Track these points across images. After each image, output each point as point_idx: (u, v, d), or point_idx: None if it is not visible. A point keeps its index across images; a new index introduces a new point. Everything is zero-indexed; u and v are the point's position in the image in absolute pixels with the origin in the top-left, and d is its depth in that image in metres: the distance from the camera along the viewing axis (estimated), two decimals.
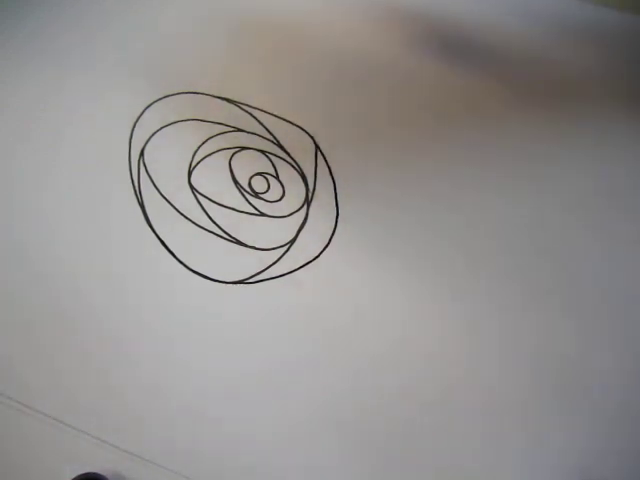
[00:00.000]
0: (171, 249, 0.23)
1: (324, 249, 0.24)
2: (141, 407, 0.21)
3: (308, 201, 0.25)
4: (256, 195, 0.25)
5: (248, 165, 0.26)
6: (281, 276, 0.23)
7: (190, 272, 0.23)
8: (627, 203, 0.27)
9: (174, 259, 0.23)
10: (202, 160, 0.26)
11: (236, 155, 0.26)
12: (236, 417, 0.21)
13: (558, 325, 0.23)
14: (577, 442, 0.21)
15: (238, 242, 0.24)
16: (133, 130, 0.27)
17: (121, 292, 0.22)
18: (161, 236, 0.24)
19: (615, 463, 0.21)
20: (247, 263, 0.23)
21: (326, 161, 0.26)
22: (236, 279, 0.23)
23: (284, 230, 0.24)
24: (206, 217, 0.24)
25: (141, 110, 0.27)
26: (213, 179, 0.25)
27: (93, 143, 0.26)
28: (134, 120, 0.27)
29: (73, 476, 0.18)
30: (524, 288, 0.24)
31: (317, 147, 0.26)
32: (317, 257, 0.24)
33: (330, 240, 0.24)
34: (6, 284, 0.22)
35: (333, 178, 0.25)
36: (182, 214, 0.24)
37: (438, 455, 0.21)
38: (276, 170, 0.26)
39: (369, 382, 0.22)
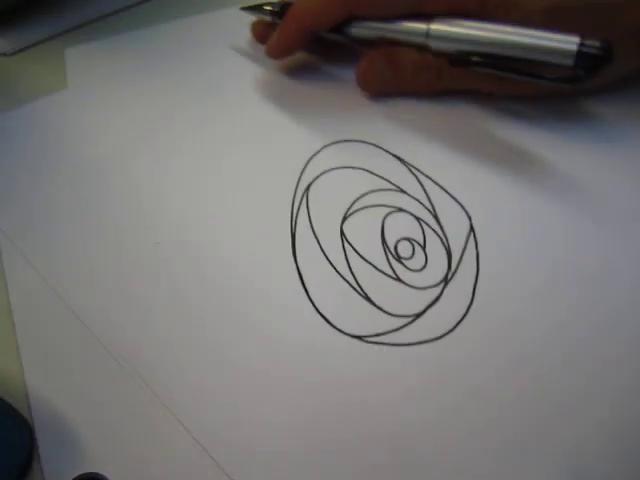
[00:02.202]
0: (306, 284, 0.25)
1: (446, 333, 0.24)
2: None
3: (446, 280, 0.25)
4: (399, 259, 0.25)
5: (400, 228, 0.26)
6: (397, 345, 0.23)
7: (315, 311, 0.24)
8: None
9: (305, 295, 0.25)
10: (359, 210, 0.27)
11: (392, 215, 0.27)
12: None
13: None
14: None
15: (367, 298, 0.25)
16: (307, 165, 0.29)
17: (247, 310, 0.24)
18: (300, 269, 0.25)
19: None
20: (369, 321, 0.24)
21: (476, 246, 0.26)
22: (355, 333, 0.24)
23: (414, 301, 0.24)
24: (346, 265, 0.25)
25: (320, 147, 0.30)
26: (363, 231, 0.26)
27: (269, 166, 0.29)
28: (310, 155, 0.29)
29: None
30: None
31: (472, 229, 0.26)
32: (438, 339, 0.23)
33: (455, 327, 0.24)
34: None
35: (478, 266, 0.25)
36: (325, 254, 0.26)
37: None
38: (425, 240, 0.26)
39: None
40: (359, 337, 0.24)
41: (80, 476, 0.19)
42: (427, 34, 0.29)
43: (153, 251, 0.26)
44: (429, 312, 0.24)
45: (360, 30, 0.31)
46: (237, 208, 0.28)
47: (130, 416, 0.22)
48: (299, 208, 0.27)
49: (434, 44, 0.29)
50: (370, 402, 0.22)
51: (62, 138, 0.32)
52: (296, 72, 0.34)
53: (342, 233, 0.26)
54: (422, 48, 0.30)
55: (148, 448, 0.21)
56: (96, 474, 0.20)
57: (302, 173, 0.28)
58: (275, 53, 0.33)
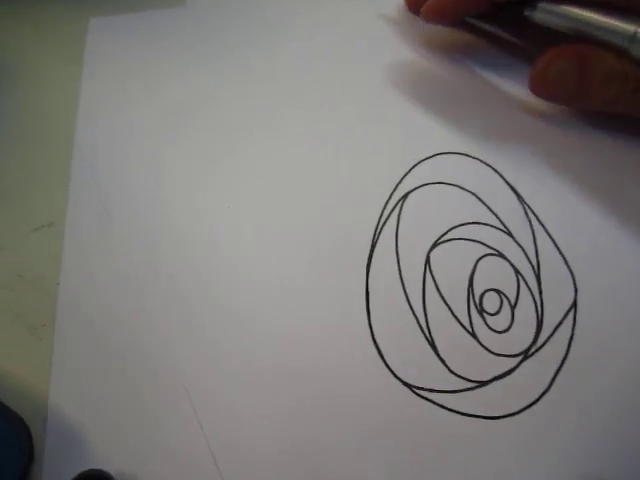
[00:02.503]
0: (370, 305, 0.22)
1: (507, 416, 0.20)
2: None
3: (527, 354, 0.21)
4: (481, 312, 0.22)
5: (493, 276, 0.23)
6: (447, 409, 0.20)
7: (371, 339, 0.22)
8: None
9: (366, 316, 0.22)
10: (454, 240, 0.24)
11: (488, 257, 0.23)
12: None
13: None
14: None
15: (432, 345, 0.22)
16: (412, 169, 0.25)
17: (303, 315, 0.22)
18: (370, 286, 0.23)
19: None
20: (425, 372, 0.21)
21: (574, 327, 0.22)
22: (405, 378, 0.21)
23: (483, 366, 0.21)
24: (420, 298, 0.22)
25: (432, 153, 0.26)
26: (452, 266, 0.23)
27: (369, 158, 0.26)
28: (419, 159, 0.26)
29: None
30: None
31: (575, 305, 0.22)
32: (495, 418, 0.20)
33: (519, 412, 0.20)
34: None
35: (569, 350, 0.21)
36: (401, 279, 0.23)
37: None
38: (517, 300, 0.22)
39: None
40: (409, 385, 0.21)
41: (83, 472, 0.19)
42: (632, 38, 0.23)
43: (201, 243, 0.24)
44: (495, 384, 0.21)
45: (546, 15, 0.25)
46: (320, 195, 0.25)
47: (132, 413, 0.21)
48: (389, 216, 0.24)
49: (638, 51, 0.23)
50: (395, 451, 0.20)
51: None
52: (448, 55, 0.29)
53: (427, 261, 0.23)
54: (621, 53, 0.24)
55: (149, 445, 0.20)
56: (99, 471, 0.19)
57: (404, 177, 0.25)
58: (431, 14, 0.27)
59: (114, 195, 0.25)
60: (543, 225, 0.24)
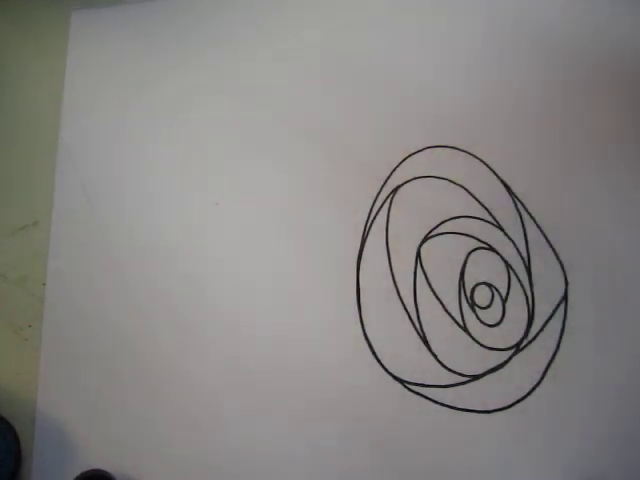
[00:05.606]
0: (361, 301, 0.22)
1: (499, 409, 0.20)
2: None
3: (518, 348, 0.21)
4: (472, 305, 0.22)
5: (485, 269, 0.23)
6: (440, 404, 0.20)
7: (362, 334, 0.21)
8: None
9: (357, 312, 0.22)
10: (444, 234, 0.23)
11: (479, 251, 0.23)
12: None
13: None
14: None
15: (424, 340, 0.21)
16: (402, 162, 0.25)
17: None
18: (361, 281, 0.22)
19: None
20: (418, 367, 0.21)
21: (564, 320, 0.22)
22: (399, 375, 0.21)
23: (475, 360, 0.21)
24: (411, 292, 0.22)
25: (423, 146, 0.26)
26: (442, 261, 0.23)
27: (358, 150, 0.25)
28: (409, 152, 0.25)
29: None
30: None
31: (565, 298, 0.22)
32: (487, 412, 0.20)
33: (511, 405, 0.20)
34: None
35: (560, 343, 0.22)
36: (392, 274, 0.23)
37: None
38: (508, 293, 0.22)
39: None
40: (401, 381, 0.21)
41: (86, 472, 0.18)
42: None
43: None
44: (487, 378, 0.21)
45: None
46: (308, 190, 0.24)
47: (122, 413, 0.21)
48: (379, 210, 0.24)
49: None
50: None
51: None
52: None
53: (418, 255, 0.23)
54: None
55: (140, 444, 0.20)
56: (102, 471, 0.19)
57: (394, 171, 0.25)
58: None
59: (100, 193, 0.24)
60: (533, 218, 0.24)
